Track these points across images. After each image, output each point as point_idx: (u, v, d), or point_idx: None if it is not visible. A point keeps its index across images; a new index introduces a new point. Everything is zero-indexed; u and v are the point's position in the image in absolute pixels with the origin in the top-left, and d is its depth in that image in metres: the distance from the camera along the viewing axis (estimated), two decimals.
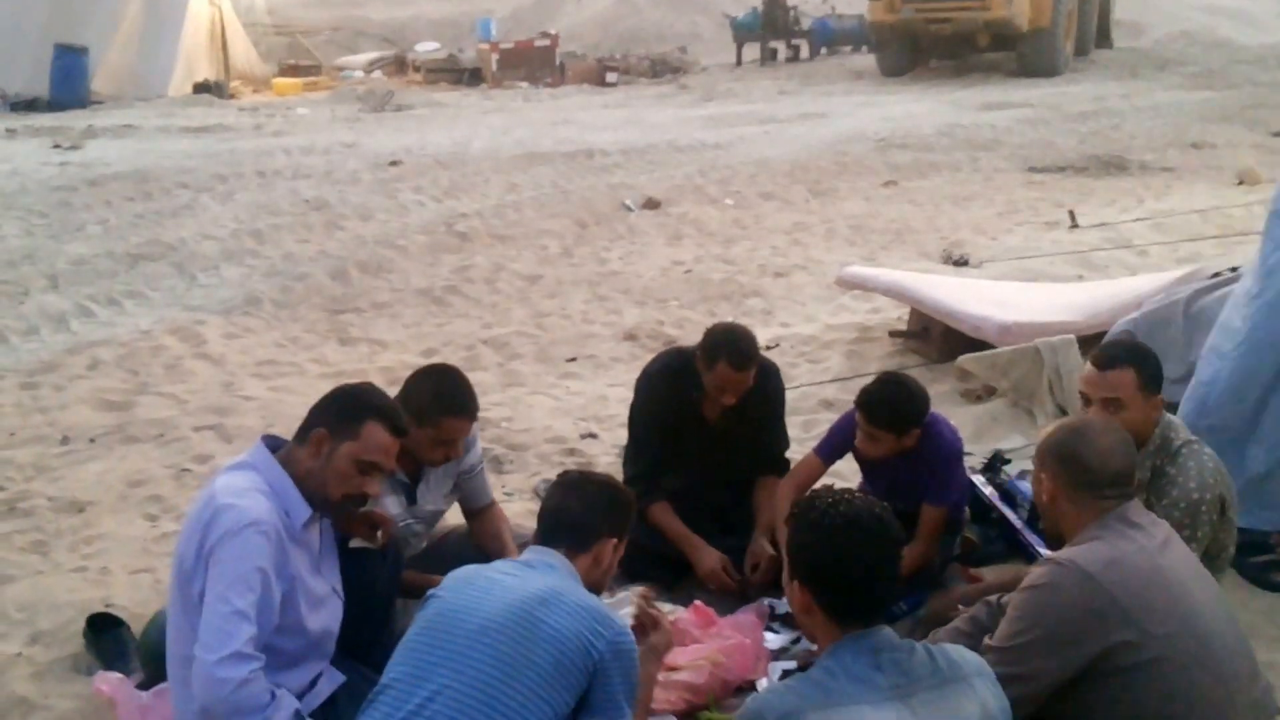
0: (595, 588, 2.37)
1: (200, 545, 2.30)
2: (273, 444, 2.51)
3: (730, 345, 3.24)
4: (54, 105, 16.04)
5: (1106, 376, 2.78)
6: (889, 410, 3.15)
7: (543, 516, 2.45)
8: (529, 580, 2.22)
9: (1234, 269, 4.55)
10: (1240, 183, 9.58)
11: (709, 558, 3.30)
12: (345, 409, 2.46)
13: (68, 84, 16.42)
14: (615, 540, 2.41)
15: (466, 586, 2.24)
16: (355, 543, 2.70)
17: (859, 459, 3.47)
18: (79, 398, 5.15)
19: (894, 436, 3.17)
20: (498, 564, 2.42)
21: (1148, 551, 2.18)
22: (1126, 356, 2.83)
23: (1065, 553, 2.22)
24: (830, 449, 3.46)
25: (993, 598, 2.59)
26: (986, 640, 2.25)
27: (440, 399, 2.93)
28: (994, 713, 1.89)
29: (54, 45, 16.35)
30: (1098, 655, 2.09)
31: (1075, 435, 2.34)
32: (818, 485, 3.30)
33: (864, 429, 3.18)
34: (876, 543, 1.91)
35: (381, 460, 2.45)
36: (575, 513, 2.37)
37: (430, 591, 2.31)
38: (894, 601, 2.01)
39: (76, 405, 5.07)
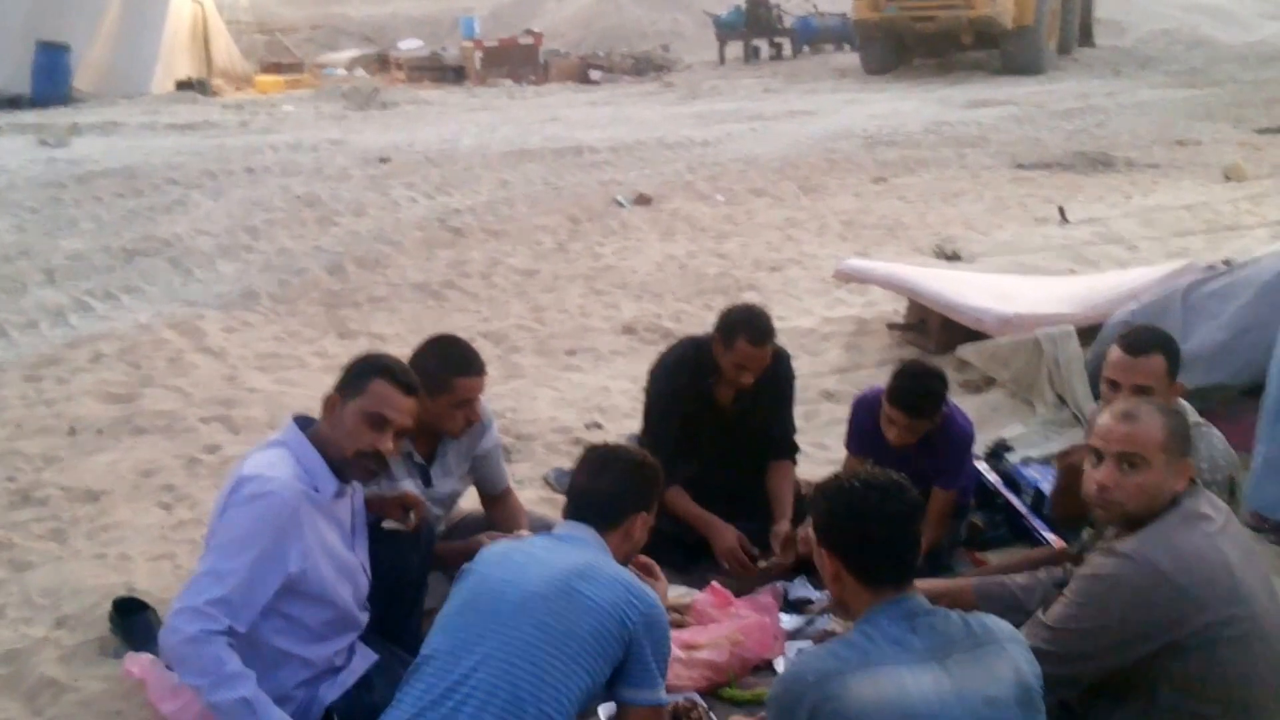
0: (625, 560, 2.44)
1: (220, 516, 2.40)
2: (303, 423, 2.58)
3: (749, 322, 3.34)
4: (36, 102, 15.93)
5: (1140, 363, 2.79)
6: (932, 400, 3.24)
7: (571, 495, 2.49)
8: (564, 554, 2.28)
9: (1227, 262, 4.67)
10: (1227, 179, 9.77)
11: (727, 536, 3.39)
12: (354, 372, 2.55)
13: (50, 81, 16.34)
14: (644, 514, 2.46)
15: (504, 560, 2.30)
16: (388, 524, 2.77)
17: (867, 449, 3.55)
18: (83, 390, 5.18)
19: (931, 421, 3.27)
20: (530, 539, 2.49)
21: (1210, 536, 2.21)
22: (1158, 343, 2.85)
23: (1131, 544, 2.21)
24: (861, 444, 3.53)
25: (1041, 572, 2.66)
26: (1040, 615, 2.27)
27: (447, 362, 2.99)
28: (1026, 676, 1.94)
29: (35, 42, 16.26)
30: (1162, 646, 2.14)
31: (1176, 413, 2.35)
32: None
33: (905, 423, 3.24)
34: (893, 501, 1.97)
35: (390, 414, 2.49)
36: (603, 493, 2.41)
37: (465, 566, 2.36)
38: (917, 565, 2.03)
39: (81, 397, 5.10)
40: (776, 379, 3.59)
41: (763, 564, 3.38)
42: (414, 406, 2.57)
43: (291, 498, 2.37)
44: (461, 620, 2.22)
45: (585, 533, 2.36)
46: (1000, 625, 2.00)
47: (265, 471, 2.40)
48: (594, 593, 2.17)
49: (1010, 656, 1.94)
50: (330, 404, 2.51)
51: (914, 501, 2.01)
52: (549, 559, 2.26)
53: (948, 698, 1.84)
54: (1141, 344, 2.84)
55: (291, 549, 2.36)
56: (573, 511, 2.44)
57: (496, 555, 2.35)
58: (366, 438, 2.46)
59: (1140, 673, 2.18)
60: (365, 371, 2.53)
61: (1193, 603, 2.12)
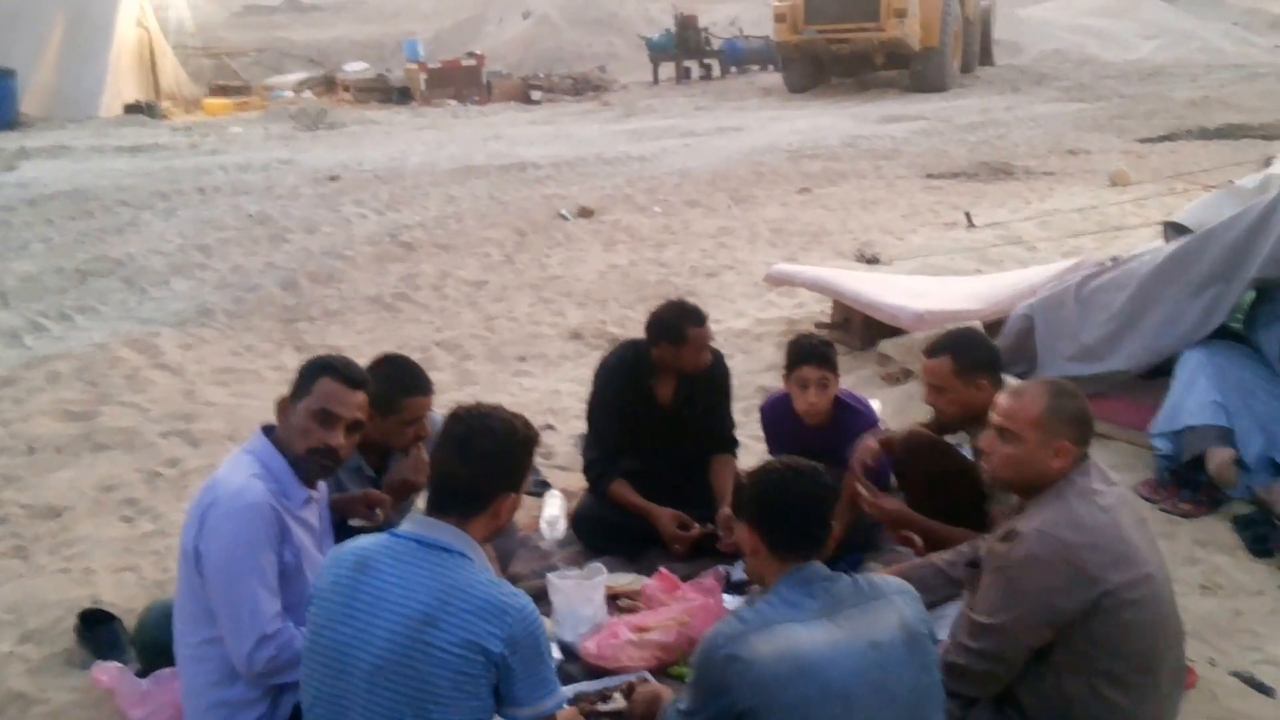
0: (491, 538, 2.17)
1: (199, 529, 2.31)
2: (270, 431, 2.51)
3: (685, 312, 3.42)
4: None
5: (927, 364, 2.91)
6: (829, 347, 3.33)
7: (434, 480, 2.11)
8: (416, 584, 1.96)
9: (1114, 259, 4.77)
10: (1113, 184, 10.06)
11: (666, 520, 3.40)
12: (302, 374, 2.50)
13: None
14: (514, 495, 2.12)
15: (348, 604, 1.99)
16: (354, 522, 2.71)
17: (785, 446, 3.55)
18: (40, 409, 5.00)
19: (834, 374, 3.32)
20: (379, 552, 2.03)
21: (1105, 509, 2.24)
22: (946, 346, 2.89)
23: (1035, 523, 2.23)
24: (778, 443, 3.55)
25: (964, 546, 2.71)
26: (971, 615, 2.29)
27: (395, 383, 2.93)
28: (911, 622, 2.03)
29: None
30: (1076, 614, 2.17)
31: (1075, 398, 2.35)
32: None
33: (817, 377, 3.28)
34: (807, 482, 2.08)
35: (337, 409, 2.42)
36: (466, 479, 2.04)
37: (315, 589, 2.06)
38: (827, 542, 2.09)
39: (39, 417, 4.92)
40: (713, 378, 3.61)
41: (697, 528, 3.40)
42: (363, 400, 2.50)
43: (267, 500, 2.32)
44: (324, 690, 2.00)
45: (445, 534, 2.01)
46: (889, 582, 2.10)
47: (235, 480, 2.33)
48: (447, 641, 1.91)
49: (896, 607, 2.04)
50: (282, 406, 2.46)
51: (828, 485, 2.10)
52: (396, 600, 1.95)
53: (838, 644, 1.95)
54: (931, 347, 2.94)
55: (284, 547, 2.34)
56: (433, 501, 2.06)
57: (340, 591, 2.00)
58: (316, 434, 2.40)
59: (1051, 642, 2.22)
60: (312, 372, 2.48)
61: (1096, 570, 2.16)
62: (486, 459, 2.04)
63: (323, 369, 2.47)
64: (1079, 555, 2.17)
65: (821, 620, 1.97)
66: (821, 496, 2.08)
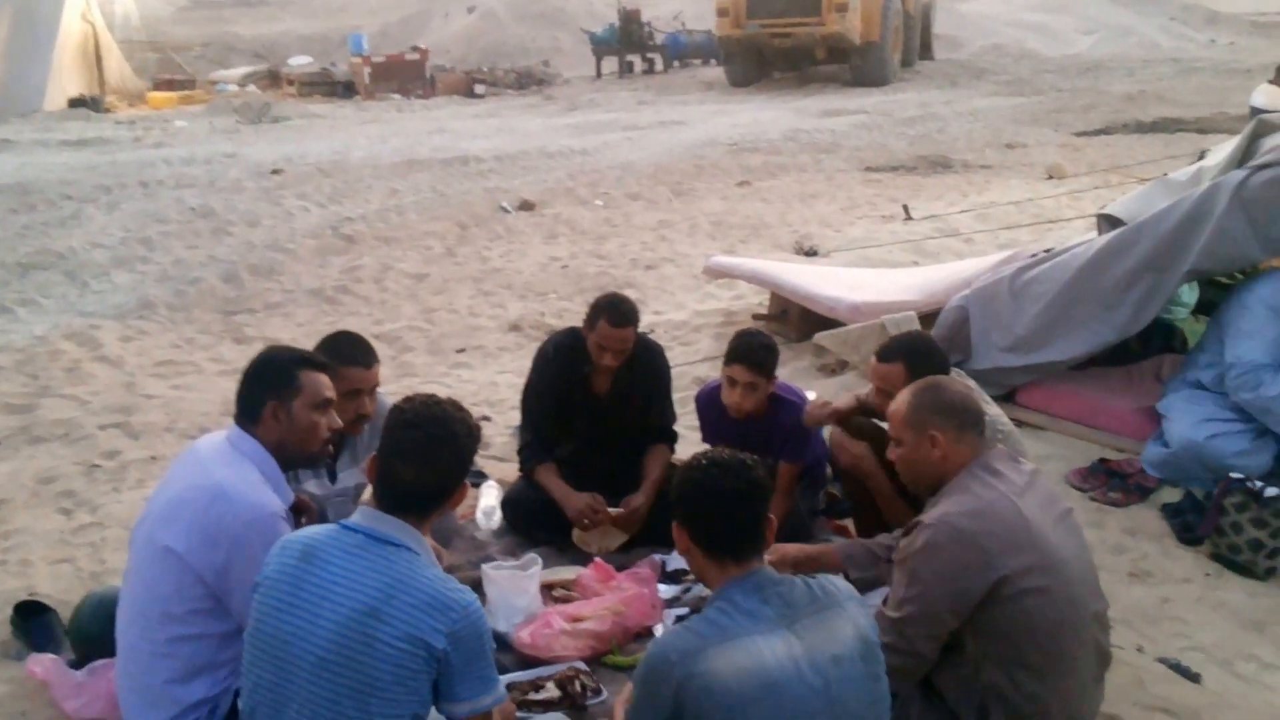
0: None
1: (215, 540, 2.20)
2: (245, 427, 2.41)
3: (610, 306, 3.36)
4: None
5: (880, 369, 2.92)
6: (766, 353, 3.25)
7: (388, 482, 2.05)
8: (361, 580, 1.95)
9: (1048, 250, 4.82)
10: (1050, 177, 10.29)
11: (576, 501, 3.38)
12: (276, 374, 2.41)
13: None
14: (466, 485, 2.15)
15: (295, 594, 1.96)
16: None
17: (719, 436, 3.55)
18: None
19: (766, 380, 3.26)
20: (329, 546, 2.01)
21: (1008, 497, 2.25)
22: (900, 352, 2.88)
23: (935, 512, 2.26)
24: (712, 432, 3.55)
25: (898, 530, 2.71)
26: (881, 608, 2.30)
27: (335, 352, 2.88)
28: (865, 630, 1.96)
29: None
30: (977, 599, 2.18)
31: (938, 389, 2.42)
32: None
33: (746, 379, 3.23)
34: (733, 478, 1.94)
35: (329, 395, 2.45)
36: (433, 485, 2.05)
37: (261, 577, 2.02)
38: (761, 541, 1.97)
39: None
40: (650, 369, 3.61)
41: (614, 510, 3.39)
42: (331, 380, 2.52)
43: (281, 510, 2.28)
44: (265, 678, 1.98)
45: (394, 527, 2.01)
46: (840, 585, 2.01)
47: (248, 491, 2.25)
48: (390, 635, 1.90)
49: (850, 615, 1.96)
50: (274, 412, 2.36)
51: (755, 480, 1.96)
52: (343, 591, 1.94)
53: (800, 661, 1.85)
54: (885, 352, 2.94)
55: None
56: (390, 503, 2.03)
57: (285, 581, 1.98)
58: (321, 425, 2.41)
59: (959, 629, 2.25)
60: (289, 369, 2.40)
61: (994, 555, 2.17)
62: (453, 465, 2.06)
63: (298, 363, 2.42)
64: (976, 540, 2.19)
65: (781, 630, 1.87)
66: (750, 493, 1.94)
